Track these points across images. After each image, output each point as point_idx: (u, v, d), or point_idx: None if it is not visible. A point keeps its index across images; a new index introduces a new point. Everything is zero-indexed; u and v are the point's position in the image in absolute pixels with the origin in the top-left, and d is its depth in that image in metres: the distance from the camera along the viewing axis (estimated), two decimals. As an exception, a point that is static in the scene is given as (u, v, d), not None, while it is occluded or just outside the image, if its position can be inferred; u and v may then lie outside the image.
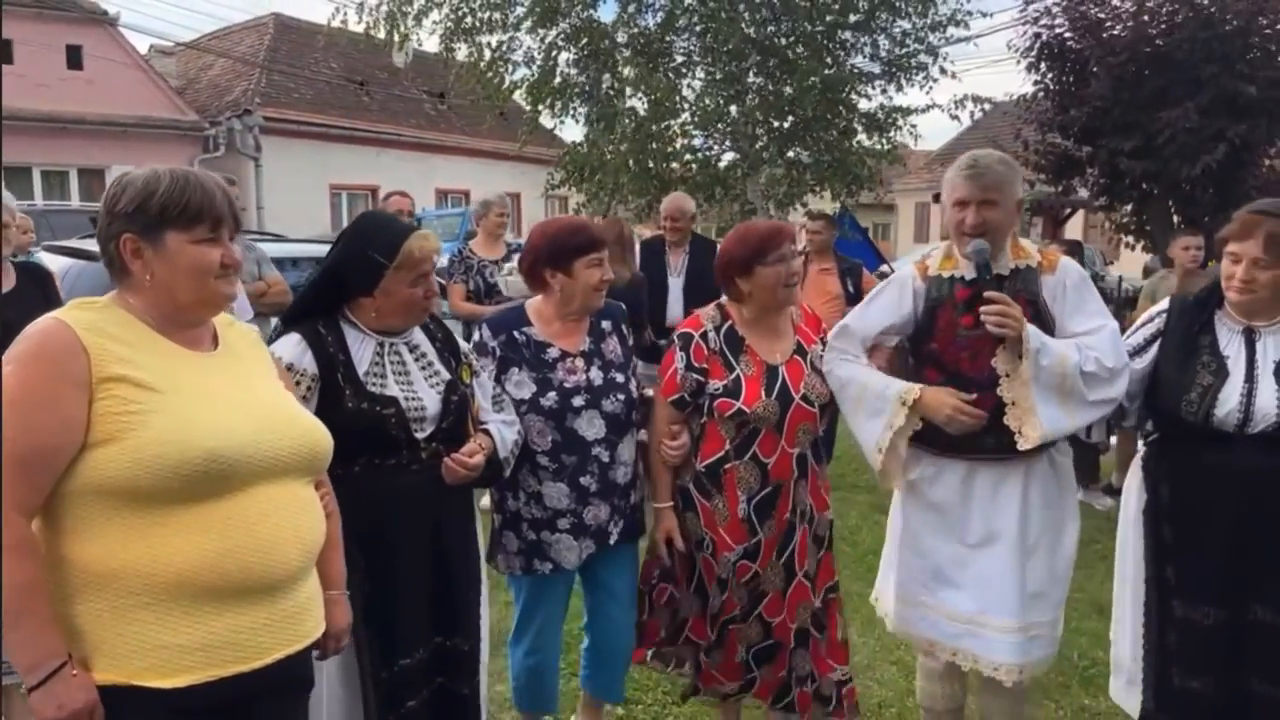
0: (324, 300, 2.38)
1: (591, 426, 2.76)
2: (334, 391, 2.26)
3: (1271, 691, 2.52)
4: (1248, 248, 2.48)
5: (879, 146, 10.89)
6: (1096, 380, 2.54)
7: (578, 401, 2.75)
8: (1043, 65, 8.18)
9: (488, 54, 10.95)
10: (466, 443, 2.43)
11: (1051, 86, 8.22)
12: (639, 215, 11.32)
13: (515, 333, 2.79)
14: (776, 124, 10.68)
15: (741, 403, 2.72)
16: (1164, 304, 2.79)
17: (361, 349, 2.34)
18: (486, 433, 2.54)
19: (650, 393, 2.94)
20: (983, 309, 2.48)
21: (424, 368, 2.43)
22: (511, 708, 3.19)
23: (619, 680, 3.13)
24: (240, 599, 1.68)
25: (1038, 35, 8.09)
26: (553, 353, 2.78)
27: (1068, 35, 7.90)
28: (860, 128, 10.71)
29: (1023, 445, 2.52)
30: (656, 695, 3.61)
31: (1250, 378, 2.50)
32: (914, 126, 10.82)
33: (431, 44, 11.54)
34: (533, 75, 10.81)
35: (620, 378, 2.83)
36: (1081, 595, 4.28)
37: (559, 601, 2.95)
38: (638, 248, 5.96)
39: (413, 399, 2.34)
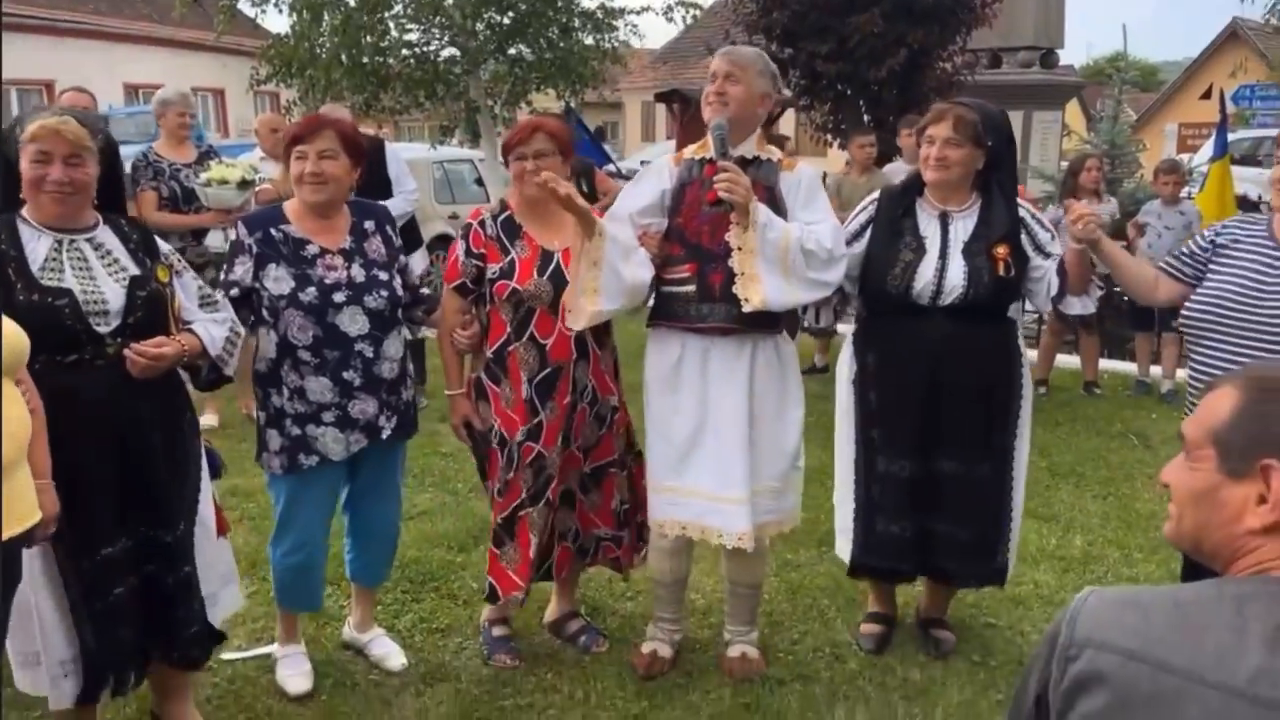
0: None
1: (354, 322, 2.81)
2: (5, 285, 2.23)
3: (951, 529, 2.97)
4: (940, 129, 2.84)
5: (602, 45, 10.97)
6: (816, 259, 2.79)
7: (339, 297, 2.79)
8: (747, -31, 8.51)
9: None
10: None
11: (755, -10, 8.60)
12: (356, 111, 10.81)
13: (272, 229, 2.81)
14: (497, 19, 10.48)
15: (515, 282, 2.85)
16: (876, 194, 3.11)
17: (37, 244, 2.33)
18: (192, 331, 2.52)
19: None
20: (715, 177, 2.67)
21: (109, 265, 2.40)
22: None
23: (385, 563, 3.26)
24: None
25: (741, -62, 8.39)
26: (311, 249, 2.82)
27: (769, -61, 8.26)
28: (580, 26, 10.72)
29: (746, 309, 2.73)
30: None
31: (944, 255, 2.87)
32: (634, 26, 10.98)
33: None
34: (225, -41, 9.91)
35: (384, 275, 2.89)
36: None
37: (324, 497, 2.98)
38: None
39: (92, 292, 2.32)
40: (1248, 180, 13.14)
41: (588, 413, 3.02)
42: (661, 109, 23.22)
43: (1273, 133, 16.18)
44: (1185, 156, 12.91)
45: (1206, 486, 1.20)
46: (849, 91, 8.01)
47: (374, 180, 5.61)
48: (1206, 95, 25.27)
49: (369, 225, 2.96)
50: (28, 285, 2.26)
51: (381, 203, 3.66)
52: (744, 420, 2.88)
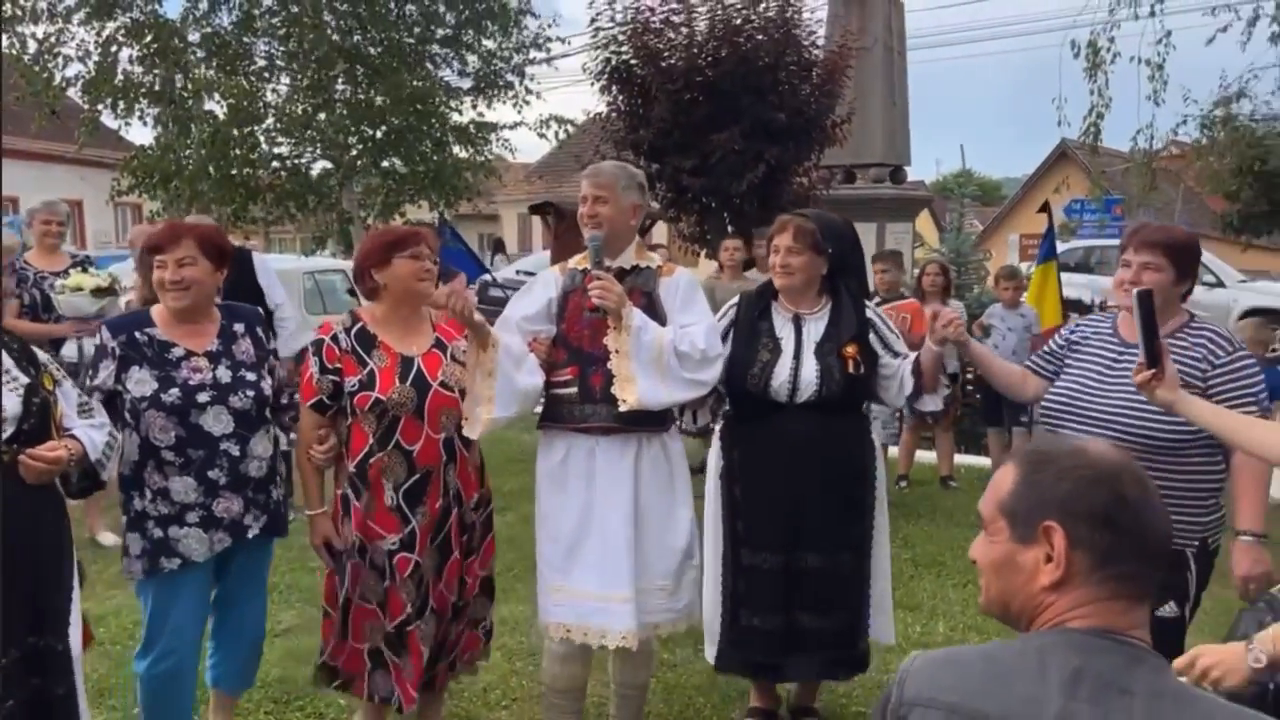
0: None
1: (219, 422, 2.82)
2: None
3: (816, 622, 3.04)
4: (783, 239, 3.03)
5: (475, 159, 11.21)
6: (690, 360, 2.91)
7: (203, 398, 2.81)
8: (613, 88, 8.90)
9: (33, 46, 9.74)
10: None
11: (622, 108, 8.97)
12: (224, 223, 10.67)
13: (136, 333, 2.84)
14: (370, 133, 10.60)
15: (377, 393, 2.83)
16: (736, 299, 3.27)
17: None
18: (75, 437, 2.52)
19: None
20: (589, 285, 2.79)
21: (2, 374, 2.39)
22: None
23: (248, 670, 3.17)
24: None
25: (608, 60, 8.79)
26: (177, 351, 2.84)
27: (633, 62, 8.67)
28: (453, 140, 10.94)
29: (622, 408, 2.83)
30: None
31: (798, 355, 3.02)
32: (507, 141, 11.28)
33: (-42, 28, 10.02)
34: (89, 72, 9.78)
35: (251, 376, 2.91)
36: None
37: (192, 600, 2.89)
38: None
39: None
40: (1081, 286, 14.28)
41: (460, 517, 3.00)
42: (537, 220, 23.68)
43: (1101, 242, 17.67)
44: (1025, 264, 13.95)
45: (1003, 556, 1.33)
46: (713, 204, 8.39)
47: (243, 289, 5.62)
48: (1043, 209, 27.40)
49: (238, 327, 2.98)
50: None
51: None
52: (629, 518, 2.92)
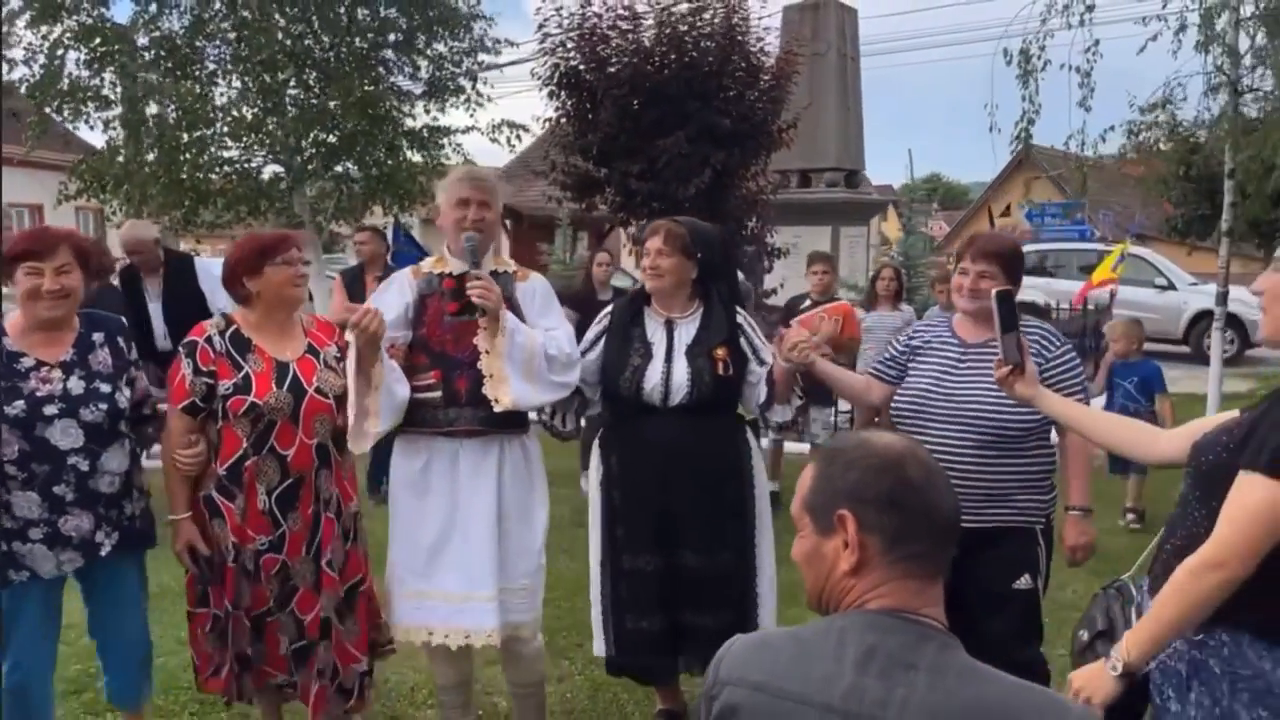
0: None
1: (66, 436, 2.73)
2: None
3: (698, 619, 3.08)
4: (654, 242, 3.07)
5: (429, 164, 11.20)
6: (557, 363, 2.96)
7: (50, 410, 2.72)
8: (562, 94, 8.95)
9: (-24, 48, 9.65)
10: None
11: (570, 113, 9.03)
12: (174, 226, 10.61)
13: None
14: (323, 137, 10.58)
15: (253, 396, 2.81)
16: (609, 309, 3.30)
17: None
18: None
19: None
20: (469, 285, 2.80)
21: None
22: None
23: (137, 686, 3.11)
24: None
25: (556, 66, 8.85)
26: (26, 362, 2.75)
27: (581, 67, 8.73)
28: (407, 145, 10.93)
29: (498, 408, 2.85)
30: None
31: (669, 358, 3.05)
32: (459, 145, 11.29)
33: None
34: (34, 76, 9.70)
35: (106, 388, 2.82)
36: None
37: (42, 612, 2.82)
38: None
39: None
40: (1037, 289, 14.48)
41: (335, 524, 2.98)
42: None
43: (1057, 246, 17.89)
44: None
45: (811, 549, 1.39)
46: (660, 208, 8.46)
47: (185, 294, 5.63)
48: (1006, 213, 27.70)
49: (97, 337, 2.90)
50: None
51: None
52: (493, 519, 2.94)
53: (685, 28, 8.61)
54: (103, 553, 2.83)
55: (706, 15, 8.69)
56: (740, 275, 4.04)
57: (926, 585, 1.33)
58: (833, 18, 12.17)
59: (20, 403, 2.70)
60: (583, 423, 3.47)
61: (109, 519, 2.84)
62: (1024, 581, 2.81)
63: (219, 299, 5.53)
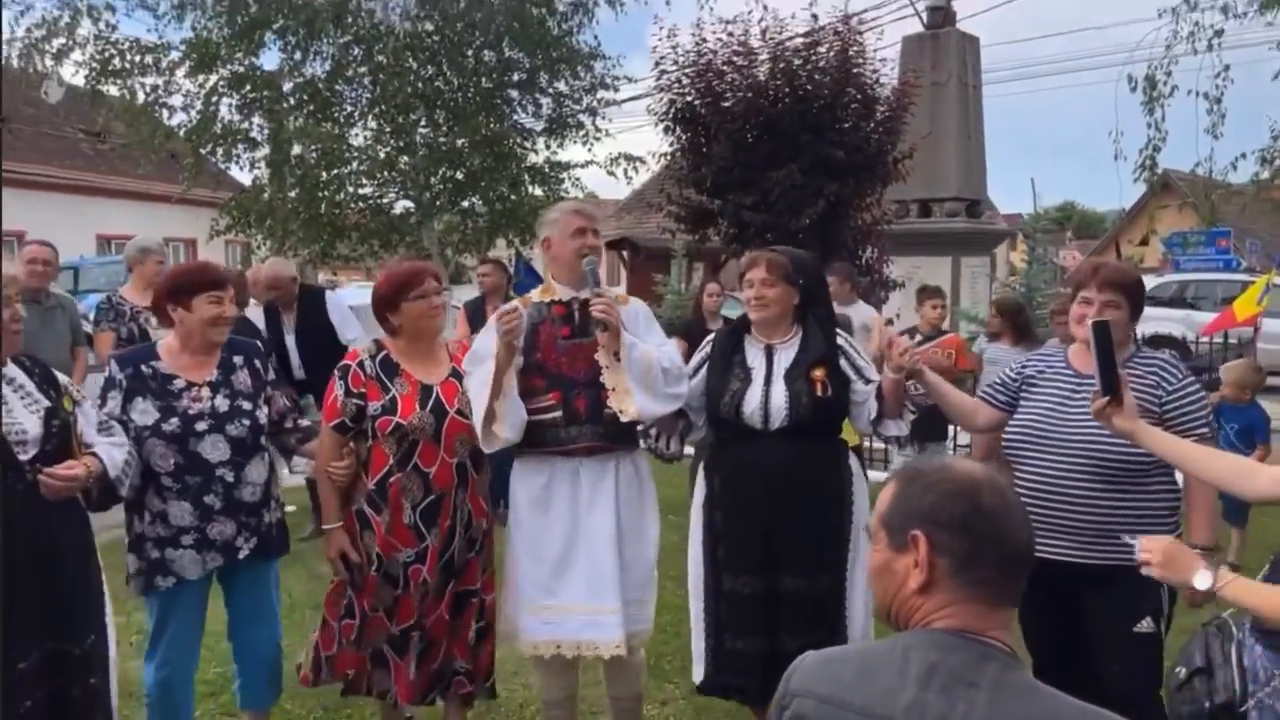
0: None
1: (215, 449, 3.00)
2: None
3: (796, 643, 3.09)
4: (756, 273, 3.13)
5: (550, 197, 11.57)
6: (671, 375, 3.09)
7: (201, 426, 2.99)
8: (677, 128, 9.14)
9: (142, 96, 10.52)
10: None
11: (685, 147, 9.20)
12: (313, 259, 11.26)
13: (142, 366, 3.04)
14: (451, 174, 11.06)
15: (398, 417, 3.01)
16: (711, 336, 3.41)
17: None
18: (95, 455, 2.71)
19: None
20: (593, 303, 2.97)
21: (24, 398, 2.60)
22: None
23: (267, 689, 3.34)
24: None
25: (672, 102, 9.04)
26: (179, 383, 3.03)
27: (696, 102, 8.90)
28: (529, 180, 11.33)
29: (624, 418, 3.00)
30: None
31: (768, 382, 3.11)
32: (578, 180, 11.64)
33: (81, 80, 10.89)
34: (191, 121, 10.49)
35: (248, 406, 3.09)
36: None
37: (190, 615, 3.10)
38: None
39: (13, 424, 2.51)
40: (1175, 321, 13.83)
41: (461, 537, 3.16)
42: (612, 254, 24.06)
43: (1197, 276, 17.05)
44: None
45: (883, 562, 1.46)
46: (773, 239, 8.52)
47: (316, 326, 5.94)
48: (1144, 241, 26.50)
49: (237, 360, 3.18)
50: None
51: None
52: (614, 534, 3.07)
53: (799, 62, 8.67)
54: (241, 555, 3.08)
55: (821, 49, 8.74)
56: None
57: (992, 609, 1.37)
58: (954, 46, 12.01)
59: (175, 420, 2.98)
60: (688, 449, 3.55)
61: (249, 525, 3.09)
62: (1145, 625, 2.71)
63: (348, 330, 5.87)
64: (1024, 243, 13.18)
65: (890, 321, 9.56)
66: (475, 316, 6.39)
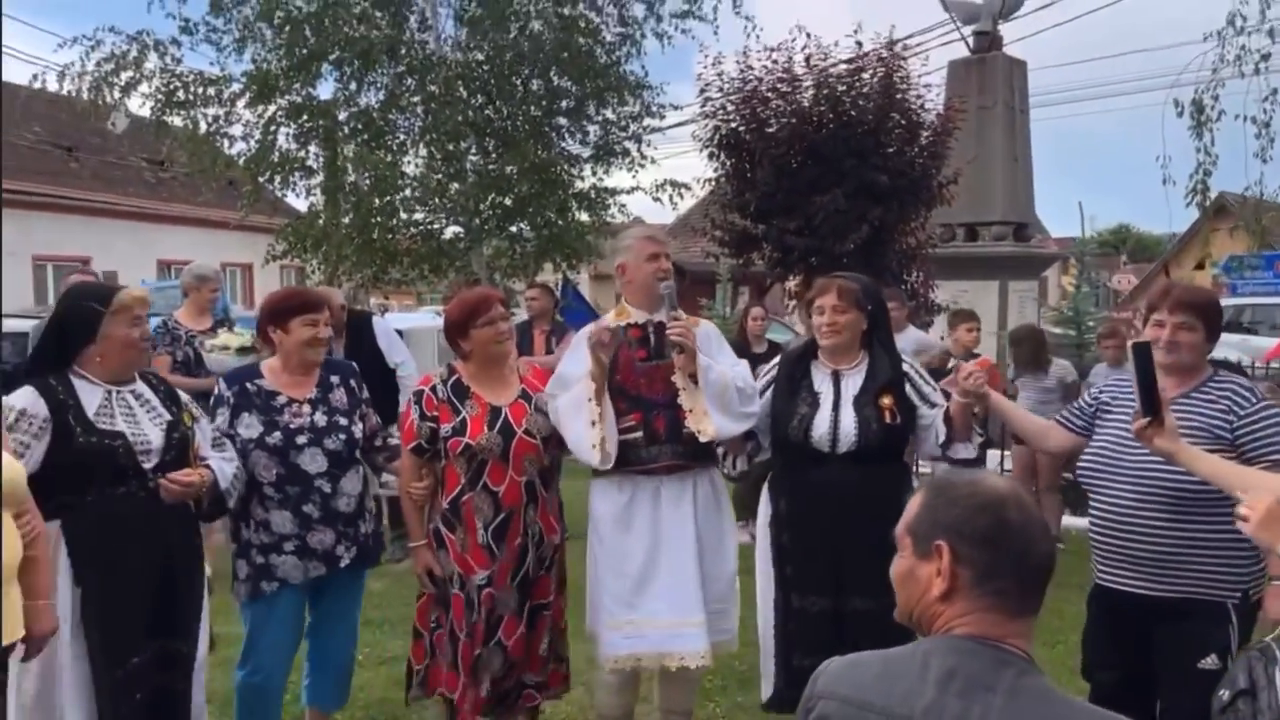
0: (50, 358, 2.77)
1: (314, 461, 3.21)
2: (65, 430, 2.66)
3: None
4: (828, 300, 3.22)
5: (595, 223, 11.74)
6: (744, 395, 3.21)
7: (301, 440, 3.19)
8: (721, 154, 9.25)
9: (204, 126, 10.88)
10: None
11: (729, 173, 9.31)
12: (365, 283, 11.53)
13: (248, 383, 3.26)
14: (499, 200, 11.28)
15: (468, 438, 3.15)
16: (776, 359, 3.50)
17: (90, 395, 2.74)
18: (209, 467, 2.94)
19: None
20: (670, 326, 3.11)
21: (149, 412, 2.84)
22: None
23: (339, 689, 3.51)
24: None
25: (716, 128, 9.16)
26: (281, 399, 3.25)
27: (741, 129, 9.01)
28: (575, 206, 11.51)
29: (703, 439, 3.12)
30: None
31: (836, 407, 3.18)
32: (623, 206, 11.79)
33: (147, 111, 11.30)
34: (250, 150, 10.83)
35: (344, 421, 3.29)
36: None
37: (286, 622, 3.27)
38: None
39: (139, 435, 2.75)
40: (1232, 346, 13.58)
41: (533, 554, 3.25)
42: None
43: (1256, 300, 16.72)
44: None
45: (907, 569, 1.53)
46: (817, 263, 8.56)
47: (365, 350, 6.01)
48: (1200, 265, 25.98)
49: (334, 379, 3.39)
50: (85, 429, 2.70)
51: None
52: (694, 548, 3.18)
53: (843, 88, 8.75)
54: (342, 564, 3.27)
55: (865, 75, 8.81)
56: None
57: (1010, 618, 1.43)
58: (1000, 71, 12.00)
59: (278, 434, 3.20)
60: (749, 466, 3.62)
61: (347, 535, 3.28)
62: (1210, 662, 2.65)
63: (394, 354, 6.00)
64: (1071, 266, 13.06)
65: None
66: (522, 339, 6.52)
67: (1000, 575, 1.43)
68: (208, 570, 3.16)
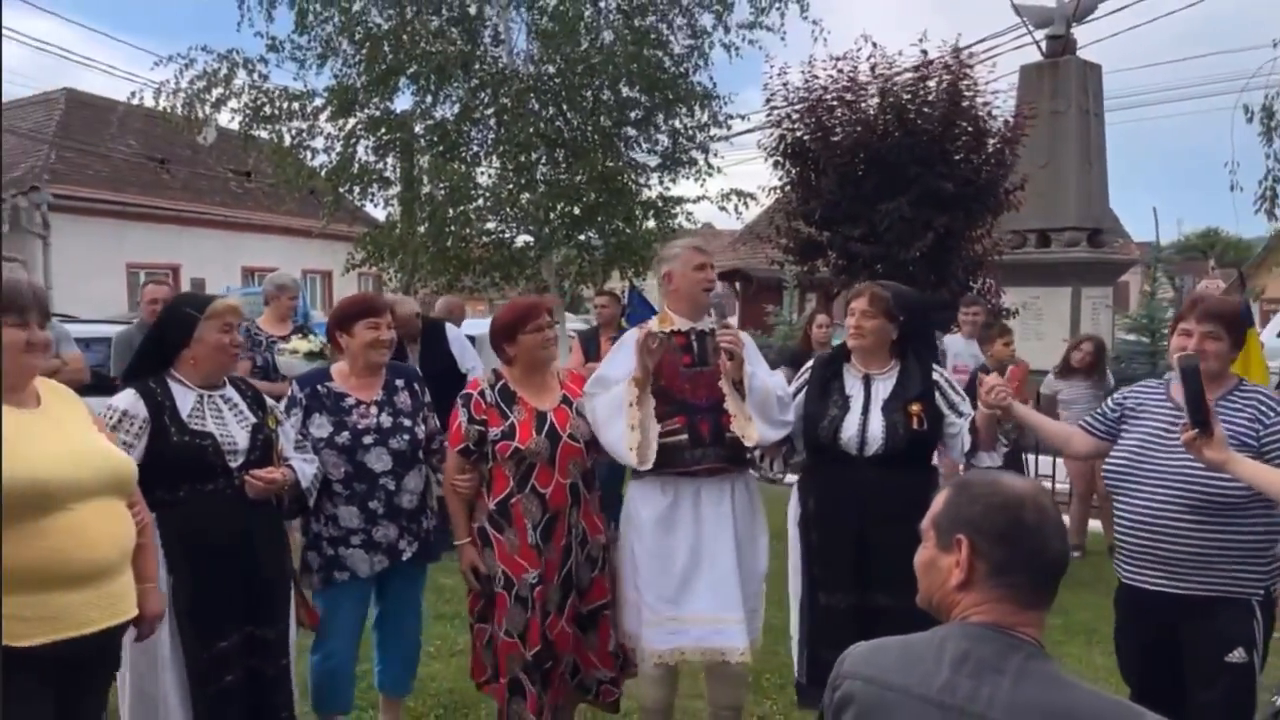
0: (151, 363, 3.01)
1: (379, 460, 3.41)
2: (162, 430, 2.89)
3: None
4: (859, 304, 3.36)
5: (662, 231, 11.88)
6: (783, 404, 3.35)
7: (368, 440, 3.40)
8: (786, 163, 9.36)
9: (288, 139, 11.32)
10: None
11: (794, 181, 9.42)
12: (439, 291, 11.84)
13: (318, 386, 3.47)
14: (568, 209, 11.51)
15: (517, 442, 3.30)
16: (810, 362, 3.62)
17: (184, 398, 2.97)
18: (291, 467, 3.14)
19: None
20: (720, 334, 3.28)
21: (236, 415, 3.06)
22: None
23: (406, 676, 3.72)
24: (72, 584, 2.25)
25: (782, 137, 9.28)
26: (349, 401, 3.45)
27: (806, 138, 9.11)
28: (642, 214, 11.66)
29: (748, 443, 3.27)
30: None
31: (866, 411, 3.31)
32: (690, 214, 11.92)
33: (235, 125, 11.80)
34: (331, 162, 11.23)
35: (408, 423, 3.49)
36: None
37: (355, 611, 3.50)
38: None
39: (226, 436, 2.96)
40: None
41: (579, 553, 3.40)
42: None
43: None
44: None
45: (930, 559, 1.67)
46: (882, 270, 8.62)
47: (438, 356, 6.23)
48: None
49: (399, 382, 3.58)
50: (179, 429, 2.92)
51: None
52: (734, 548, 3.32)
53: (908, 96, 8.81)
54: (404, 557, 3.47)
55: (930, 83, 8.85)
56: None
57: (1023, 610, 1.56)
58: (1073, 74, 11.85)
59: (346, 433, 3.40)
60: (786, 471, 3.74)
61: (410, 530, 3.48)
62: (1237, 655, 2.75)
63: (466, 359, 6.22)
64: (1149, 272, 12.80)
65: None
66: (589, 345, 6.70)
67: (1014, 570, 1.55)
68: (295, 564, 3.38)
